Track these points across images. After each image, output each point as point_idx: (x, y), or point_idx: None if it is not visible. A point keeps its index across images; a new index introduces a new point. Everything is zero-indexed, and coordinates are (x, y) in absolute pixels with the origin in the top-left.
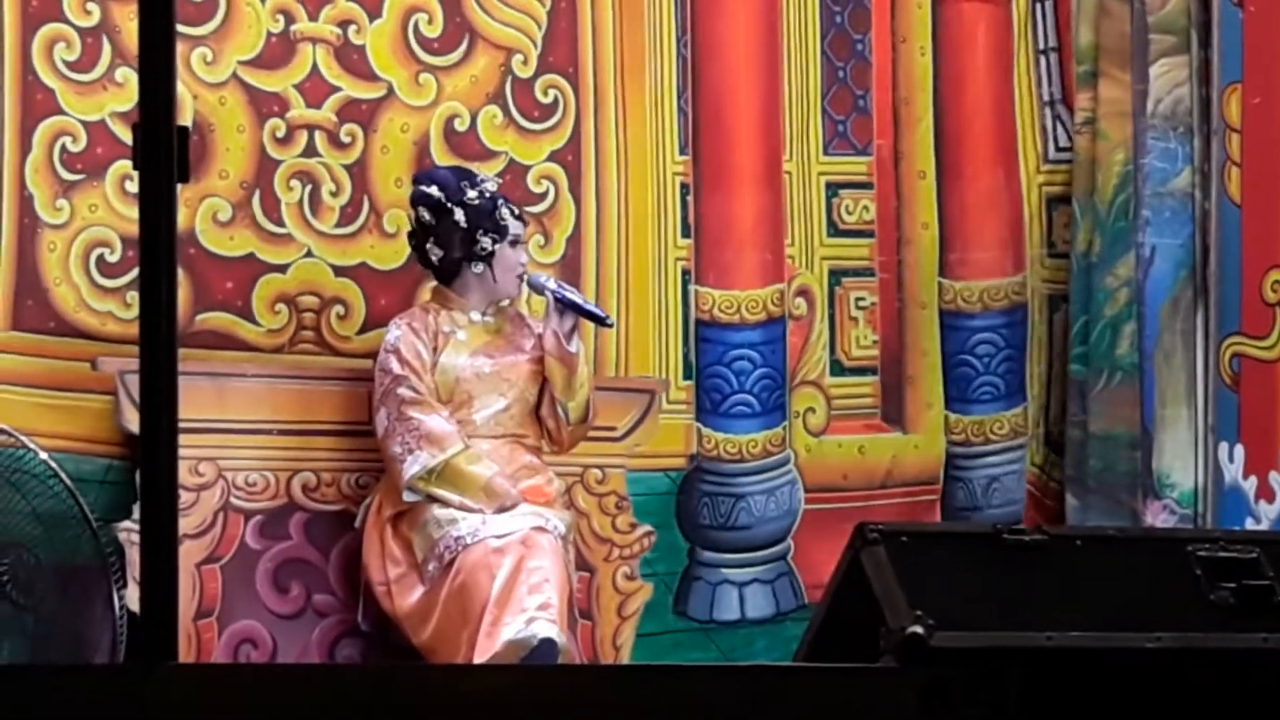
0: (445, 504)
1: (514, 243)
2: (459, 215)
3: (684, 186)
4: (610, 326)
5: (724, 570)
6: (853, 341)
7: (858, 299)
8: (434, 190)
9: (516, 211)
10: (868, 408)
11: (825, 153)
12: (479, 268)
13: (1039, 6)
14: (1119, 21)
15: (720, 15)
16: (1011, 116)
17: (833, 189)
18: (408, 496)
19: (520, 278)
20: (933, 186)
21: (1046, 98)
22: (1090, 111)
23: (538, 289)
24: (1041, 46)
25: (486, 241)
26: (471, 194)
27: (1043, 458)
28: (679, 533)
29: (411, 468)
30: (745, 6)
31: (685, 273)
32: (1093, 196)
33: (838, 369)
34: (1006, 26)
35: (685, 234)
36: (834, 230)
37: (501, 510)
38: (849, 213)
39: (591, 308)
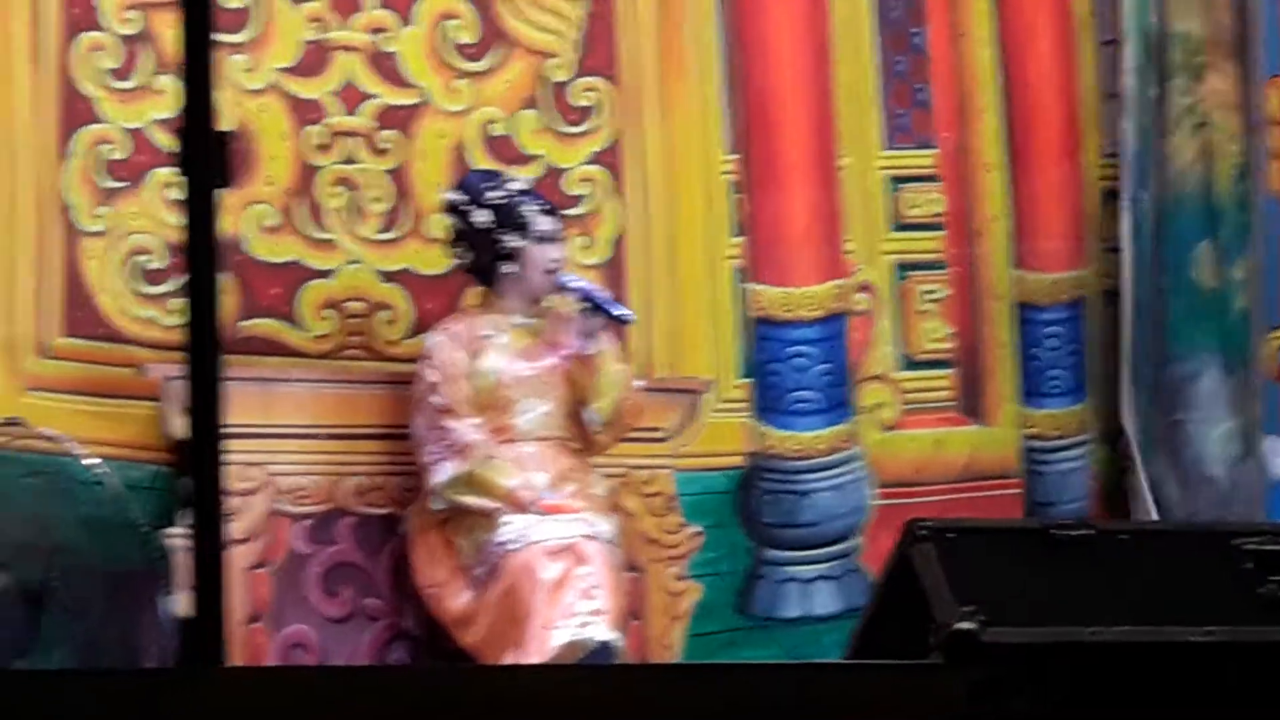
0: (473, 510)
1: (542, 239)
2: (482, 216)
3: (734, 184)
4: (629, 324)
5: (789, 568)
6: (923, 335)
7: (926, 292)
8: (456, 195)
9: (545, 208)
10: (944, 401)
11: (886, 147)
12: (508, 267)
13: None
14: (1220, 11)
15: (765, 12)
16: (1076, 108)
17: (895, 183)
18: (435, 504)
19: (551, 275)
20: (1001, 179)
21: (1109, 90)
22: (1194, 103)
23: (564, 288)
24: (1104, 38)
25: (510, 240)
26: (495, 194)
27: (1104, 454)
28: (741, 531)
29: (437, 476)
30: (791, 2)
31: (738, 271)
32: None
33: (908, 363)
34: (1069, 17)
35: (737, 232)
36: (898, 224)
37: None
38: (914, 206)
39: (610, 305)
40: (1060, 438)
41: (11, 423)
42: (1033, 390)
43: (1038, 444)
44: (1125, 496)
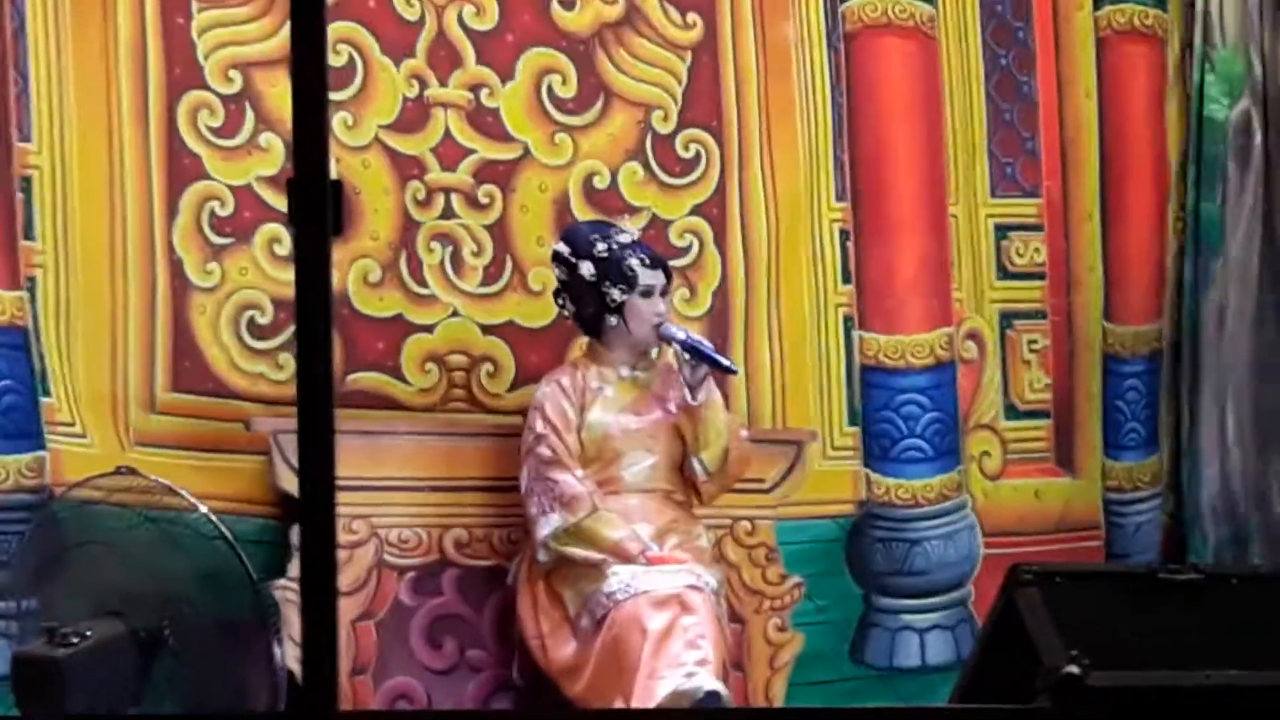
0: (579, 561)
1: (647, 293)
2: (587, 269)
3: (843, 233)
4: (733, 374)
5: (904, 616)
6: (1026, 385)
7: (1030, 341)
8: (562, 246)
9: (649, 260)
10: (1042, 451)
11: (993, 195)
12: (613, 320)
13: (1188, 50)
14: None
15: (876, 60)
16: (1167, 162)
17: (1001, 231)
18: (541, 556)
19: (656, 328)
20: (1098, 229)
21: (1187, 146)
22: None
23: (668, 340)
24: (1189, 91)
25: (615, 293)
26: (601, 247)
27: (1172, 506)
28: (851, 579)
29: (544, 529)
30: (903, 51)
31: (847, 319)
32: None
33: (1012, 412)
34: (1162, 70)
35: (845, 280)
36: (1003, 273)
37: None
38: (1019, 255)
39: (716, 355)
40: (1136, 490)
41: (124, 471)
42: (1112, 442)
43: (1115, 496)
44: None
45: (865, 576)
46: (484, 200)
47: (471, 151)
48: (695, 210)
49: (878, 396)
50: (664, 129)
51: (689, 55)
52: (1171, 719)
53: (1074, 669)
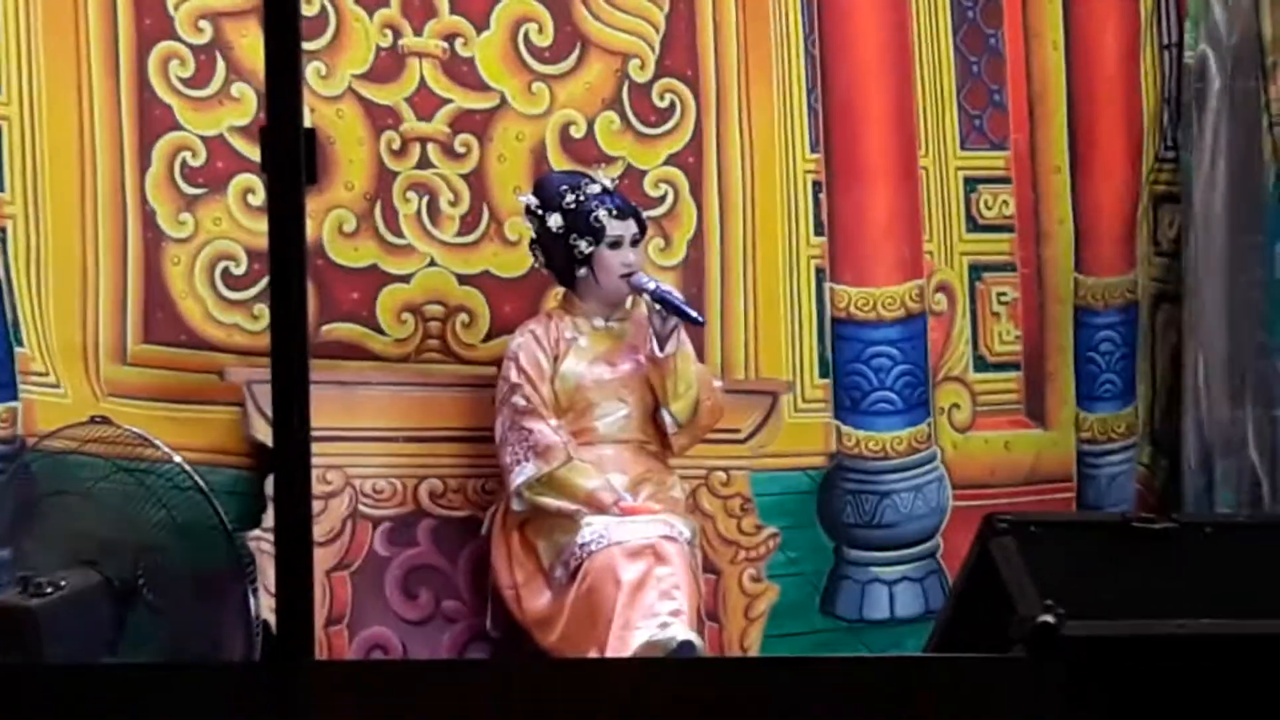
0: (554, 512)
1: (615, 244)
2: (554, 221)
3: (816, 184)
4: (700, 325)
5: (873, 569)
6: (995, 337)
7: (999, 294)
8: (531, 199)
9: (617, 211)
10: (1012, 403)
11: (962, 147)
12: (582, 271)
13: (1163, 1)
14: None
15: (849, 13)
16: (1140, 112)
17: (970, 184)
18: (516, 505)
19: (626, 278)
20: (1067, 181)
21: (1166, 95)
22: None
23: (638, 290)
24: (1165, 42)
25: (582, 245)
26: (569, 199)
27: (1149, 457)
28: (822, 531)
29: (518, 478)
30: (874, 4)
31: (819, 271)
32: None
33: (982, 365)
34: (1135, 20)
35: (818, 232)
36: (973, 225)
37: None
38: (988, 208)
39: (683, 306)
40: (1110, 441)
41: (99, 421)
42: (1086, 394)
43: (1089, 448)
44: (1166, 499)
45: (836, 529)
46: (460, 150)
47: (448, 101)
48: (671, 160)
49: (848, 349)
50: (640, 78)
51: (666, 3)
52: (1146, 668)
53: (1048, 618)
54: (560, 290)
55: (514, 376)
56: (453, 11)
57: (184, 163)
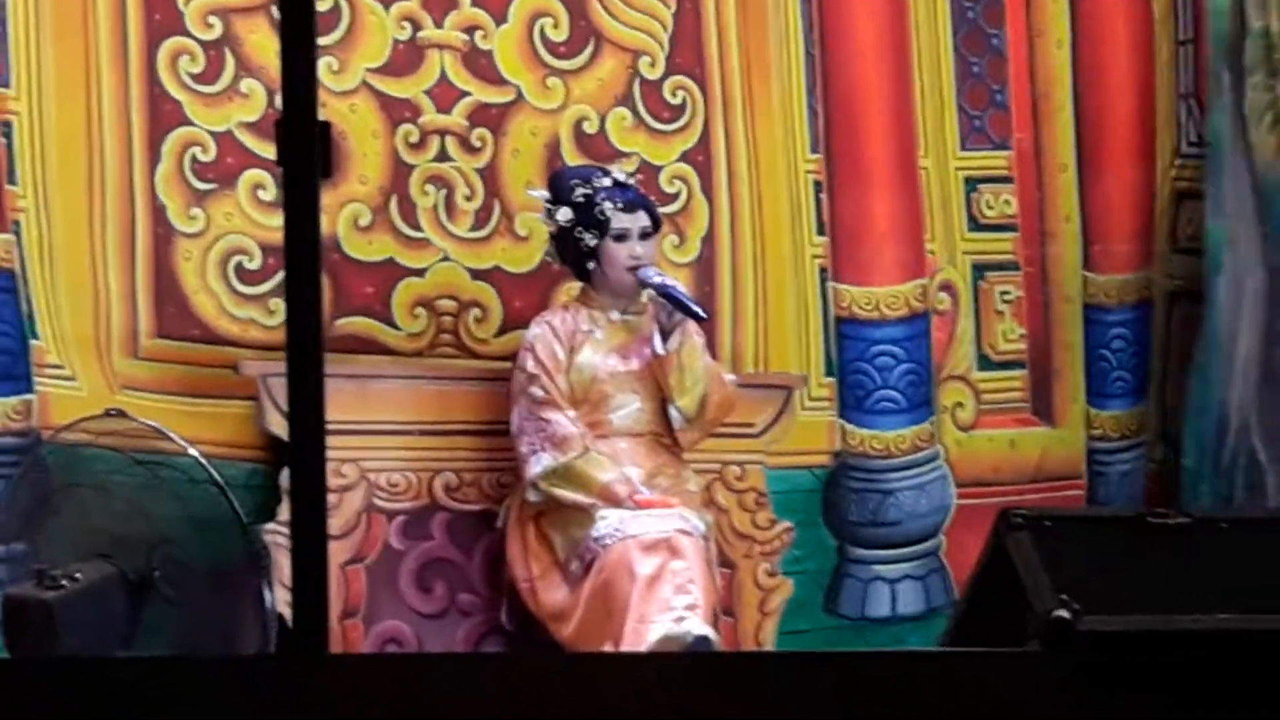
0: (569, 504)
1: (620, 237)
2: (564, 214)
3: (817, 184)
4: (703, 320)
5: (875, 567)
6: (999, 335)
7: (1002, 293)
8: (542, 193)
9: (624, 204)
10: (1017, 401)
11: (962, 148)
12: (591, 264)
13: None
14: None
15: (847, 14)
16: (1152, 109)
17: (971, 184)
18: (531, 496)
19: (633, 271)
20: (1074, 180)
21: (1182, 90)
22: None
23: (643, 283)
24: (1181, 38)
25: (588, 238)
26: (579, 192)
27: (1161, 454)
28: (826, 530)
29: (534, 468)
30: (872, 4)
31: (822, 270)
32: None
33: (985, 363)
34: (1147, 17)
35: (821, 231)
36: (975, 225)
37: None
38: (989, 207)
39: (687, 301)
40: (1121, 438)
41: (113, 414)
42: (1097, 391)
43: (1100, 445)
44: (1177, 497)
45: (840, 527)
46: (476, 144)
47: (466, 94)
48: (683, 157)
49: (852, 348)
50: (651, 75)
51: (674, 2)
52: (1161, 663)
53: (1064, 613)
54: (576, 284)
55: (531, 367)
56: (473, 4)
57: (194, 158)
